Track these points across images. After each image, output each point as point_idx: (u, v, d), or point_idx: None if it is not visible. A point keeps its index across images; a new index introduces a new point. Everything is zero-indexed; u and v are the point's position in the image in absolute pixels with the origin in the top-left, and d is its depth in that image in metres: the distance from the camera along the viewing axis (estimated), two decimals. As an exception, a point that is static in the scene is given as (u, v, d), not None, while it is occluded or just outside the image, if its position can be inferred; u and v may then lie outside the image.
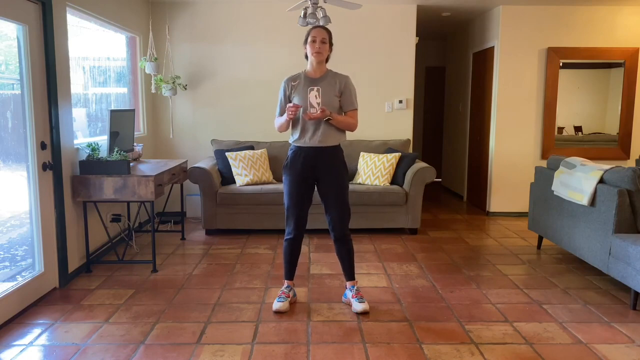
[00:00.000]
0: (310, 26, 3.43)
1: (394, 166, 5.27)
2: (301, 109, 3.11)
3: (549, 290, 3.66)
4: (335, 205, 3.20)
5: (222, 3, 5.74)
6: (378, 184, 5.21)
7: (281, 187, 5.08)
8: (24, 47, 3.26)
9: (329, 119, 3.12)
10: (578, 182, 3.86)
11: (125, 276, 3.92)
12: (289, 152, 3.26)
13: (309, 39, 3.16)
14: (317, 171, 3.20)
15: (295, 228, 3.26)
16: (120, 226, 4.75)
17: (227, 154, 5.31)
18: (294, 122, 3.21)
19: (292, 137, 3.25)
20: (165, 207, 5.58)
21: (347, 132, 3.34)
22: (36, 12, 3.38)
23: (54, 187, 3.59)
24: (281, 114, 3.27)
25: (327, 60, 3.26)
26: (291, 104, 3.08)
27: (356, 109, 3.26)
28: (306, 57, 3.24)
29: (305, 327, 3.02)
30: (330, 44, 3.22)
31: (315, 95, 3.10)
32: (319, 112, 3.07)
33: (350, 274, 3.34)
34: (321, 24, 4.17)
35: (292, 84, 3.23)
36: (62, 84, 3.66)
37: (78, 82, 4.28)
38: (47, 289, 3.55)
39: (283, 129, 3.24)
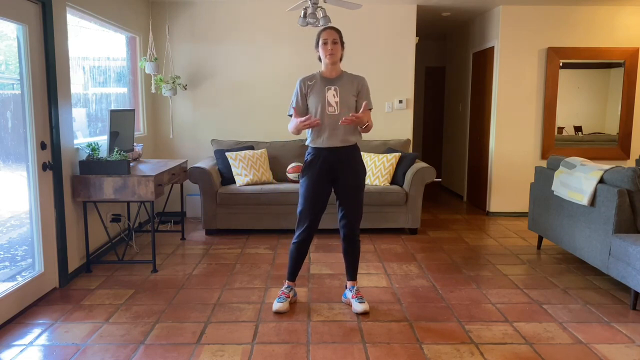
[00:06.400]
0: (319, 28, 3.41)
1: (394, 166, 5.27)
2: (313, 114, 3.09)
3: (549, 290, 3.66)
4: (349, 205, 3.19)
5: (222, 3, 5.75)
6: (378, 184, 5.21)
7: (281, 187, 5.08)
8: (24, 47, 3.26)
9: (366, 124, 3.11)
10: (578, 182, 3.86)
11: (125, 276, 3.92)
12: (307, 156, 3.22)
13: (320, 42, 3.14)
14: (334, 172, 3.17)
15: (305, 231, 3.22)
16: (120, 226, 4.75)
17: (227, 154, 5.31)
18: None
19: (308, 139, 3.22)
20: (165, 207, 5.58)
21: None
22: (36, 12, 3.38)
23: (54, 187, 3.59)
24: (295, 116, 3.22)
25: (340, 60, 3.23)
26: (305, 118, 3.03)
27: (371, 109, 3.25)
28: (319, 59, 3.22)
29: (305, 327, 3.02)
30: (342, 43, 3.20)
31: (333, 94, 3.11)
32: (337, 110, 3.08)
33: (352, 274, 3.33)
34: (321, 24, 4.17)
35: (309, 83, 3.19)
36: (62, 84, 3.66)
37: (78, 82, 4.28)
38: (47, 289, 3.55)
39: (296, 133, 3.18)
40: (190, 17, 5.77)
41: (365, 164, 3.28)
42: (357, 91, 3.20)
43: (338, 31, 3.19)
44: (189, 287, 3.70)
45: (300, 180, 3.24)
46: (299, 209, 3.24)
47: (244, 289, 3.65)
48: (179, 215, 5.57)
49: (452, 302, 3.42)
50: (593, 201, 3.70)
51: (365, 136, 5.83)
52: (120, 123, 4.26)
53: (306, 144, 3.25)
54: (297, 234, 3.26)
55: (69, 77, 3.79)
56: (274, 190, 5.02)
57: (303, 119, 3.04)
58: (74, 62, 4.08)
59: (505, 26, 5.86)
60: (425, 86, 8.79)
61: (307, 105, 3.22)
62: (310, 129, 3.17)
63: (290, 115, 3.23)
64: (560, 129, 6.05)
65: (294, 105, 3.22)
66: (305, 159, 3.23)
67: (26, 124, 3.31)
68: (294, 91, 3.25)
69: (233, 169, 5.24)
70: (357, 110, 3.22)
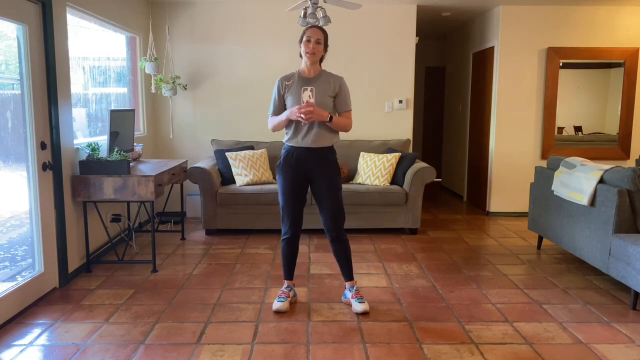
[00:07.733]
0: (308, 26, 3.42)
1: (394, 166, 5.27)
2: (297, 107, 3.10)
3: (549, 290, 3.66)
4: (328, 206, 3.20)
5: (222, 3, 5.75)
6: (378, 184, 5.21)
7: (281, 187, 5.08)
8: (24, 47, 3.26)
9: (331, 117, 3.11)
10: (578, 182, 3.86)
11: (125, 276, 3.92)
12: (282, 152, 3.25)
13: (304, 39, 3.14)
14: (309, 171, 3.19)
15: (290, 227, 3.25)
16: (120, 226, 4.75)
17: (227, 154, 5.31)
18: (288, 121, 3.20)
19: (285, 137, 3.25)
20: (165, 207, 5.58)
21: (346, 132, 3.33)
22: (36, 12, 3.38)
23: (54, 187, 3.59)
24: (275, 114, 3.26)
25: (321, 61, 3.25)
26: (300, 107, 3.04)
27: (350, 110, 3.26)
28: (301, 55, 3.22)
29: (305, 327, 3.02)
30: (326, 45, 3.20)
31: (309, 95, 3.11)
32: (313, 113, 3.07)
33: (348, 275, 3.33)
34: (321, 24, 4.17)
35: (286, 83, 3.22)
36: (62, 84, 3.66)
37: (78, 82, 4.28)
38: (47, 289, 3.55)
39: (279, 128, 3.23)
40: (190, 17, 5.77)
41: (339, 164, 3.29)
42: (334, 91, 3.19)
43: (324, 32, 3.19)
44: (189, 287, 3.70)
45: (277, 177, 3.26)
46: (280, 205, 3.28)
47: (244, 289, 3.65)
48: (179, 215, 5.57)
49: (452, 302, 3.42)
50: (593, 201, 3.70)
51: (365, 136, 5.85)
52: (120, 123, 4.26)
53: (283, 140, 3.27)
54: (284, 230, 3.30)
55: (69, 77, 3.79)
56: (274, 190, 5.02)
57: (300, 107, 3.03)
58: (74, 62, 4.08)
59: (505, 26, 5.86)
60: (425, 86, 8.79)
61: (284, 105, 3.24)
62: (286, 126, 3.19)
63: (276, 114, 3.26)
64: (560, 129, 6.05)
65: (274, 104, 3.26)
66: (281, 155, 3.25)
67: (26, 124, 3.31)
68: (274, 90, 3.27)
69: (233, 169, 5.24)
70: (334, 111, 3.22)
